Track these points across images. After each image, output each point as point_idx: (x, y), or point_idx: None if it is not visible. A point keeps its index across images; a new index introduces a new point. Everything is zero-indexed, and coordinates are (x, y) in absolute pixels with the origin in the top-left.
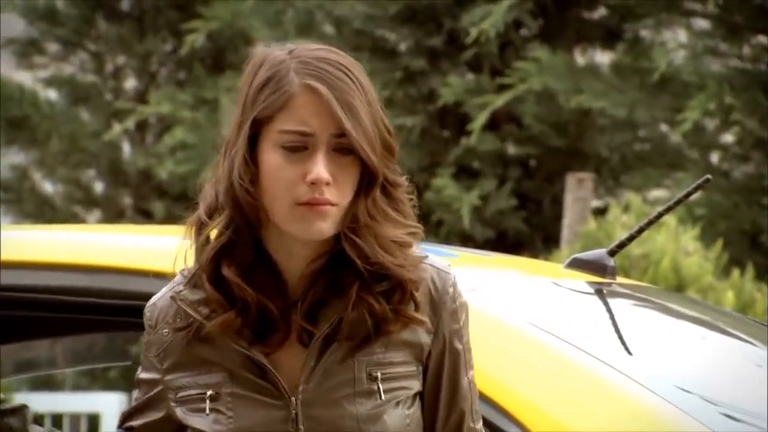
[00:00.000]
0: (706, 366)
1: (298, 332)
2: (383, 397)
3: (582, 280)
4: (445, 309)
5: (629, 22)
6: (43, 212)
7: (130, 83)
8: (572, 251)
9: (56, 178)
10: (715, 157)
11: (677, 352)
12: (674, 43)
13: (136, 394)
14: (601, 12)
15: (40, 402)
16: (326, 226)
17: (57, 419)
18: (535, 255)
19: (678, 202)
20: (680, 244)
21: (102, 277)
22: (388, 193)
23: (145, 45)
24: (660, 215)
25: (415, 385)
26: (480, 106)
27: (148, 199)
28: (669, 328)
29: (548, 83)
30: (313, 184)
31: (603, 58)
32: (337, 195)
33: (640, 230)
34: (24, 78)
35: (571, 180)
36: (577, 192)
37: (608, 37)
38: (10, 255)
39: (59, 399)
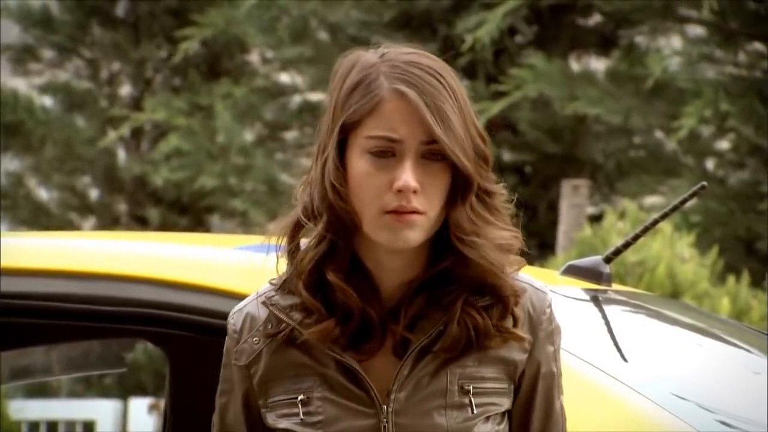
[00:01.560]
0: (701, 373)
1: (394, 342)
2: (474, 411)
3: (578, 286)
4: (541, 329)
5: (624, 28)
6: (38, 219)
7: (125, 90)
8: (568, 258)
9: (51, 184)
10: (710, 164)
11: (673, 358)
12: (669, 49)
13: (220, 404)
14: (596, 19)
15: (36, 409)
16: (413, 236)
17: (52, 426)
18: (530, 262)
19: (674, 209)
20: (676, 251)
21: (97, 284)
22: (483, 202)
23: (140, 51)
24: (655, 222)
25: (506, 403)
26: (475, 113)
27: (143, 206)
28: (665, 334)
29: (543, 90)
30: (400, 191)
31: (598, 64)
32: (425, 203)
33: (636, 237)
34: (19, 84)
35: (566, 186)
36: (573, 198)
37: (603, 43)
38: (5, 262)
39: (55, 406)
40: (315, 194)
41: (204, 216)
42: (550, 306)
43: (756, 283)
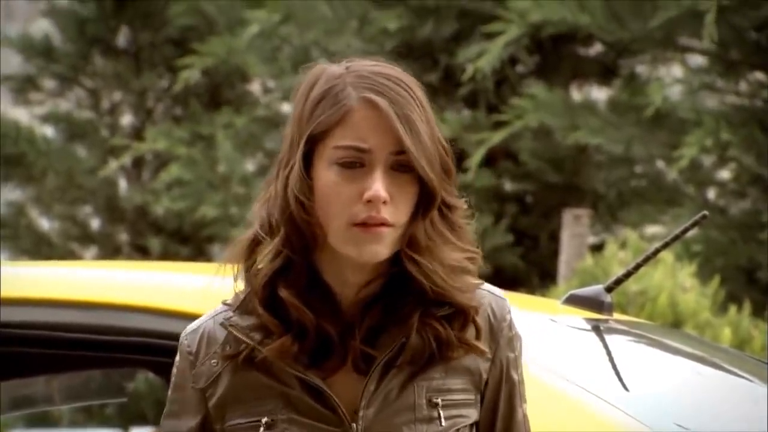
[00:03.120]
0: (703, 402)
1: (354, 357)
2: (444, 423)
3: (579, 316)
4: (502, 336)
5: (625, 58)
6: (40, 249)
7: (127, 119)
8: (569, 287)
9: (53, 214)
10: (711, 194)
11: (675, 388)
12: (670, 79)
13: (168, 426)
14: (597, 48)
15: None
16: (381, 249)
17: None
18: (531, 291)
19: (675, 239)
20: (677, 281)
21: (99, 313)
22: (445, 216)
23: (142, 81)
24: (657, 251)
25: (473, 414)
26: (476, 142)
27: (144, 236)
28: (666, 364)
29: (545, 119)
30: (370, 202)
31: (599, 94)
32: (394, 215)
33: (637, 266)
34: (20, 114)
35: (567, 216)
36: (574, 228)
37: (604, 73)
38: (6, 291)
39: None
40: (275, 209)
41: (205, 245)
42: (509, 312)
43: (757, 312)
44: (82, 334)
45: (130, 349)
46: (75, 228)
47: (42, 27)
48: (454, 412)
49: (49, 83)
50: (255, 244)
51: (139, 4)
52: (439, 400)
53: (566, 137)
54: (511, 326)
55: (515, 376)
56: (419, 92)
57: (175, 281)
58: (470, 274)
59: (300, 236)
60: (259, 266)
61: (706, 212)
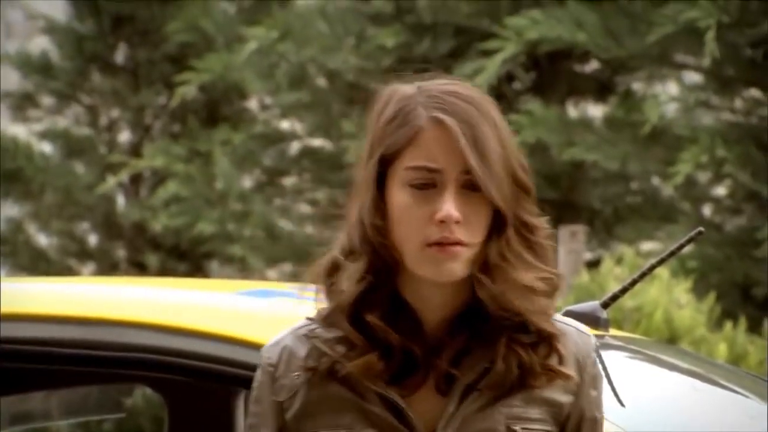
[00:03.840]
0: (699, 418)
1: (437, 377)
2: None
3: None
4: (587, 372)
5: (621, 75)
6: (38, 265)
7: (125, 136)
8: (565, 303)
9: (50, 230)
10: (707, 210)
11: (670, 404)
12: (666, 96)
13: None
14: (593, 65)
15: None
16: (457, 268)
17: None
18: None
19: (671, 255)
20: (673, 297)
21: (96, 329)
22: (523, 236)
23: (139, 98)
24: (653, 267)
25: None
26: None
27: (142, 252)
28: (662, 380)
29: (541, 136)
30: (442, 222)
31: (595, 111)
32: (468, 234)
33: (633, 282)
34: (18, 131)
35: (564, 232)
36: (570, 244)
37: (600, 90)
38: (5, 307)
39: None
40: (354, 231)
41: (203, 262)
42: (594, 350)
43: (753, 328)
44: (80, 350)
45: (128, 364)
46: (73, 244)
47: (41, 44)
48: None
49: (47, 100)
50: (335, 268)
51: (137, 21)
52: (518, 428)
53: (562, 153)
54: (595, 364)
55: (597, 416)
56: (491, 110)
57: (173, 297)
58: (545, 295)
59: (381, 260)
60: (342, 287)
61: (701, 228)
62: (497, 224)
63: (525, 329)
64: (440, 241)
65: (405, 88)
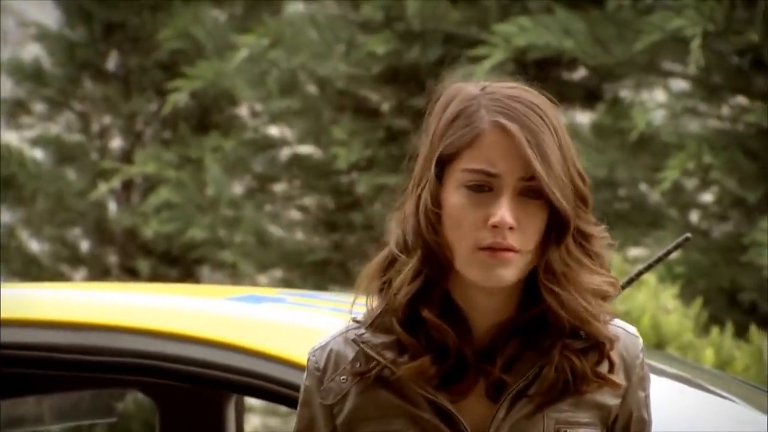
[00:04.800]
0: (686, 422)
1: (487, 383)
2: None
3: None
4: (634, 374)
5: (609, 82)
6: (30, 270)
7: (116, 143)
8: None
9: (42, 236)
10: (694, 216)
11: (658, 408)
12: (653, 103)
13: None
14: (581, 73)
15: None
16: (508, 274)
17: None
18: None
19: (658, 261)
20: (660, 302)
21: (88, 334)
22: (580, 245)
23: (131, 105)
24: (640, 273)
25: None
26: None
27: (133, 258)
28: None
29: None
30: (496, 227)
31: (583, 118)
32: (521, 241)
33: (621, 288)
34: (11, 138)
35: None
36: None
37: (588, 97)
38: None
39: None
40: (409, 228)
41: (194, 267)
42: (642, 351)
43: (739, 334)
44: (72, 355)
45: (120, 369)
46: (64, 250)
47: (33, 51)
48: None
49: (39, 107)
50: (390, 263)
51: (128, 28)
52: None
53: None
54: (642, 365)
55: (646, 416)
56: (555, 118)
57: (165, 303)
58: (608, 299)
59: (434, 257)
60: (396, 285)
61: (689, 234)
62: (556, 232)
63: (577, 335)
64: (492, 245)
65: (469, 88)
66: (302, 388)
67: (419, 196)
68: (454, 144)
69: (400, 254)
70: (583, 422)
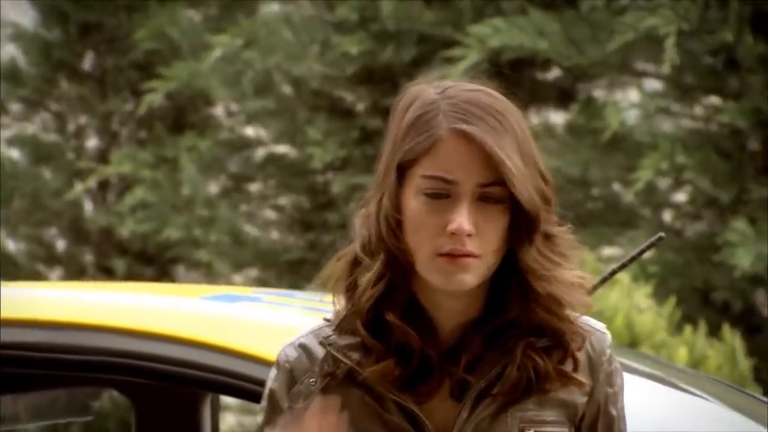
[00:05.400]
0: (659, 421)
1: (451, 384)
2: None
3: None
4: (601, 371)
5: (583, 82)
6: (6, 270)
7: (92, 143)
8: None
9: (18, 236)
10: (667, 216)
11: (631, 407)
12: (627, 103)
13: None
14: (555, 73)
15: None
16: (468, 279)
17: None
18: None
19: (631, 260)
20: (633, 301)
21: (64, 333)
22: (546, 246)
23: (107, 105)
24: (613, 272)
25: None
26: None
27: (109, 257)
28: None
29: None
30: (454, 234)
31: (557, 118)
32: (480, 246)
33: (594, 287)
34: None
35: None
36: None
37: (562, 97)
38: None
39: None
40: (372, 231)
41: (169, 267)
42: (609, 347)
43: (713, 333)
44: (48, 354)
45: (96, 368)
46: (40, 249)
47: (9, 52)
48: None
49: (15, 107)
50: (357, 264)
51: (104, 29)
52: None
53: None
54: (610, 361)
55: (614, 412)
56: (516, 120)
57: (141, 302)
58: (584, 293)
59: (397, 261)
60: (360, 288)
61: (662, 234)
62: (525, 232)
63: (541, 334)
64: (451, 252)
65: (429, 92)
66: (270, 384)
67: (380, 201)
68: (413, 150)
69: (364, 257)
70: (549, 420)
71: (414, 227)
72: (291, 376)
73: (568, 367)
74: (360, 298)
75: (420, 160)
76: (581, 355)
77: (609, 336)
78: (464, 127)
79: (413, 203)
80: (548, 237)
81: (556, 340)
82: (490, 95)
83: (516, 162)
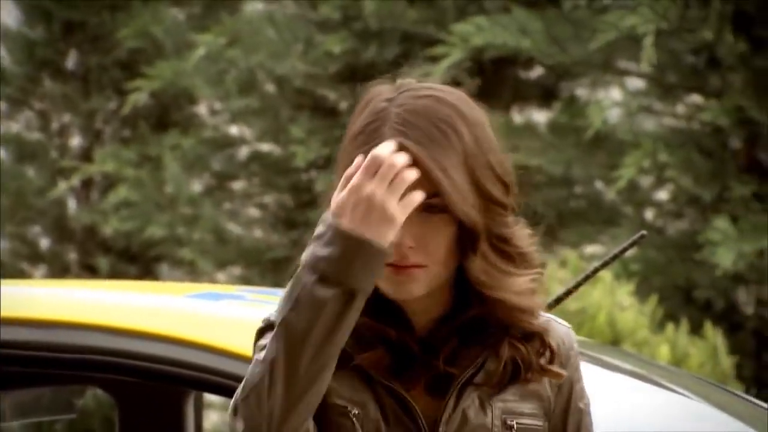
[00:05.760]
0: (641, 418)
1: (434, 376)
2: None
3: None
4: (570, 365)
5: (565, 81)
6: None
7: (76, 141)
8: None
9: (2, 234)
10: (649, 214)
11: (614, 404)
12: (609, 102)
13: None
14: (537, 72)
15: None
16: (416, 288)
17: None
18: None
19: (614, 258)
20: (616, 299)
21: (48, 331)
22: (499, 250)
23: (90, 104)
24: (596, 270)
25: None
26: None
27: (93, 255)
28: (605, 381)
29: None
30: (396, 247)
31: (540, 116)
32: (425, 256)
33: (577, 285)
34: None
35: None
36: None
37: (545, 96)
38: None
39: None
40: None
41: (153, 265)
42: (575, 342)
43: (694, 330)
44: (33, 352)
45: (79, 366)
46: (24, 247)
47: None
48: None
49: None
50: None
51: (87, 27)
52: (514, 423)
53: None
54: (577, 356)
55: (581, 406)
56: (466, 129)
57: (124, 300)
58: (535, 295)
59: None
60: None
61: (644, 232)
62: (468, 242)
63: (515, 327)
64: (395, 263)
65: (381, 98)
66: (263, 342)
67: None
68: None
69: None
70: (527, 412)
71: None
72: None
73: (545, 359)
74: None
75: None
76: (555, 347)
77: (573, 333)
78: (402, 141)
79: None
80: (502, 239)
81: (531, 333)
82: (442, 102)
83: (453, 176)
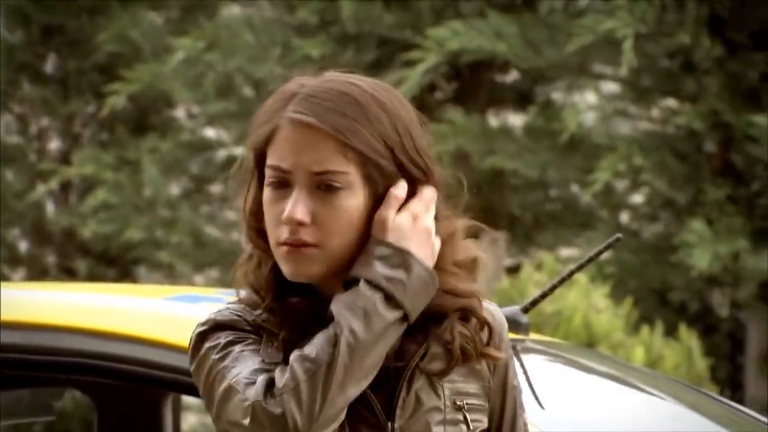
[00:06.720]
0: (616, 419)
1: (383, 371)
2: (471, 426)
3: None
4: (502, 342)
5: (541, 85)
6: None
7: (54, 144)
8: None
9: None
10: (624, 217)
11: (589, 406)
12: (584, 105)
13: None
14: (513, 75)
15: None
16: (312, 269)
17: None
18: None
19: (589, 261)
20: (591, 302)
21: (26, 333)
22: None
23: (69, 107)
24: (571, 273)
25: (485, 421)
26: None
27: (71, 258)
28: (581, 382)
29: (462, 144)
30: (288, 224)
31: (516, 120)
32: (319, 235)
33: (553, 288)
34: None
35: (485, 239)
36: (491, 251)
37: (520, 99)
38: None
39: None
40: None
41: (131, 268)
42: (505, 321)
43: (669, 333)
44: (11, 354)
45: (58, 368)
46: (3, 250)
47: None
48: (475, 416)
49: None
50: (248, 255)
51: (66, 31)
52: (463, 403)
53: (483, 162)
54: (508, 335)
55: (515, 383)
56: (377, 105)
57: (103, 302)
58: (468, 271)
59: (269, 254)
60: (259, 280)
61: (619, 235)
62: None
63: (451, 309)
64: (286, 241)
65: (291, 85)
66: (218, 339)
67: (246, 194)
68: (257, 140)
69: (252, 251)
70: (473, 392)
71: (266, 217)
72: (237, 319)
73: (484, 337)
74: (262, 289)
75: (267, 150)
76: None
77: (500, 311)
78: (299, 116)
79: (264, 194)
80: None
81: (468, 313)
82: (356, 86)
83: (364, 149)
